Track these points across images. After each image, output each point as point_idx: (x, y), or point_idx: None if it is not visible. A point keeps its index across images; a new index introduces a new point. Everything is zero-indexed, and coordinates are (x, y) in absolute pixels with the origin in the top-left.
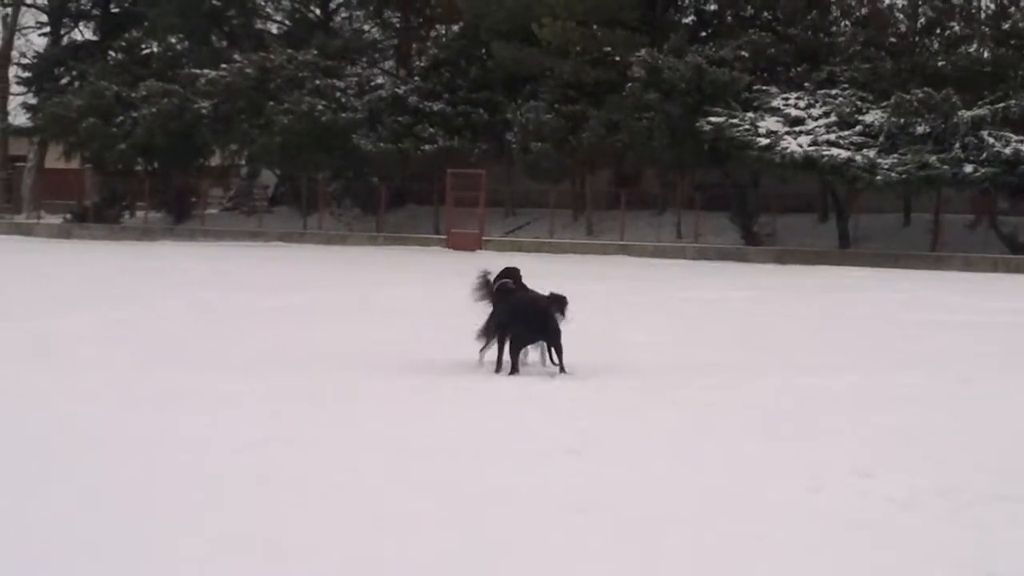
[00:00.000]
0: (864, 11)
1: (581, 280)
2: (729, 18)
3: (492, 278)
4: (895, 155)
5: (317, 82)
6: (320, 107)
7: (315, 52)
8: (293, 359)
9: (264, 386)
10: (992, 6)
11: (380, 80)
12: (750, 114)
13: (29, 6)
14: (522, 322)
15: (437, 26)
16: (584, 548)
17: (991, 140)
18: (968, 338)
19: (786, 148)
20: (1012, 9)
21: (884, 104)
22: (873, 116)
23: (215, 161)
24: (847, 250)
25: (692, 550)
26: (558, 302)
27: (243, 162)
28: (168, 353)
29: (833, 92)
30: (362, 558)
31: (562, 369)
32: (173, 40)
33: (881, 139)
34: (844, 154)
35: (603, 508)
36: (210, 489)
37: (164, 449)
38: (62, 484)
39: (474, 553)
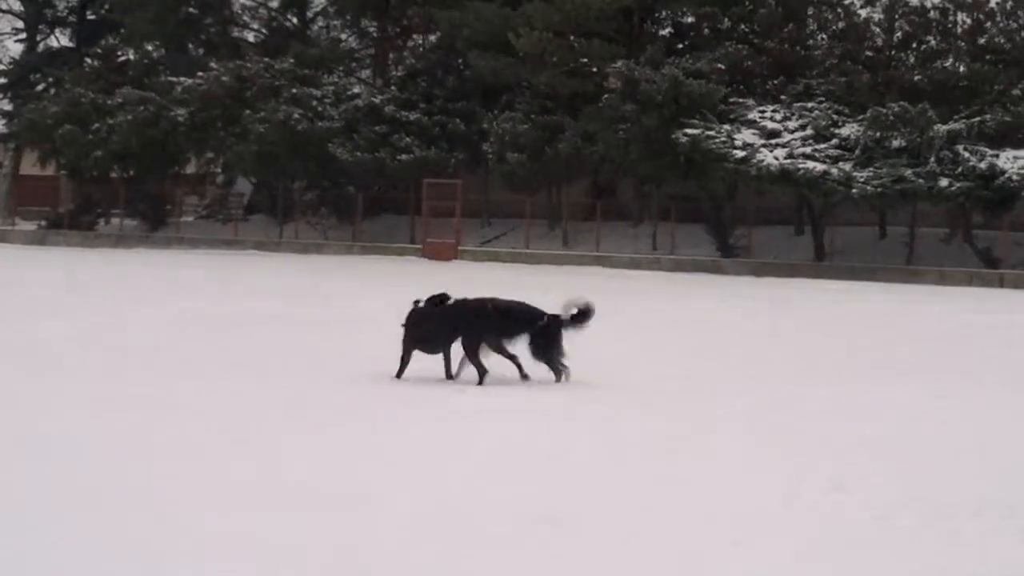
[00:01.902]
0: (841, 25)
1: (555, 292)
2: (706, 30)
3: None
4: (871, 168)
5: (294, 91)
6: (296, 116)
7: (292, 61)
8: (262, 367)
9: (229, 394)
10: (968, 21)
11: (357, 89)
12: (726, 126)
13: (5, 12)
14: (468, 325)
15: (414, 36)
16: (560, 559)
17: (966, 154)
18: (943, 350)
19: (762, 161)
20: (988, 24)
21: (860, 117)
22: (849, 129)
23: (191, 169)
24: (823, 263)
25: (667, 559)
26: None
27: (219, 170)
28: (139, 360)
29: (809, 105)
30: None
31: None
32: (150, 48)
33: (857, 152)
34: (820, 167)
35: (578, 518)
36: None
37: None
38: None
39: (449, 564)
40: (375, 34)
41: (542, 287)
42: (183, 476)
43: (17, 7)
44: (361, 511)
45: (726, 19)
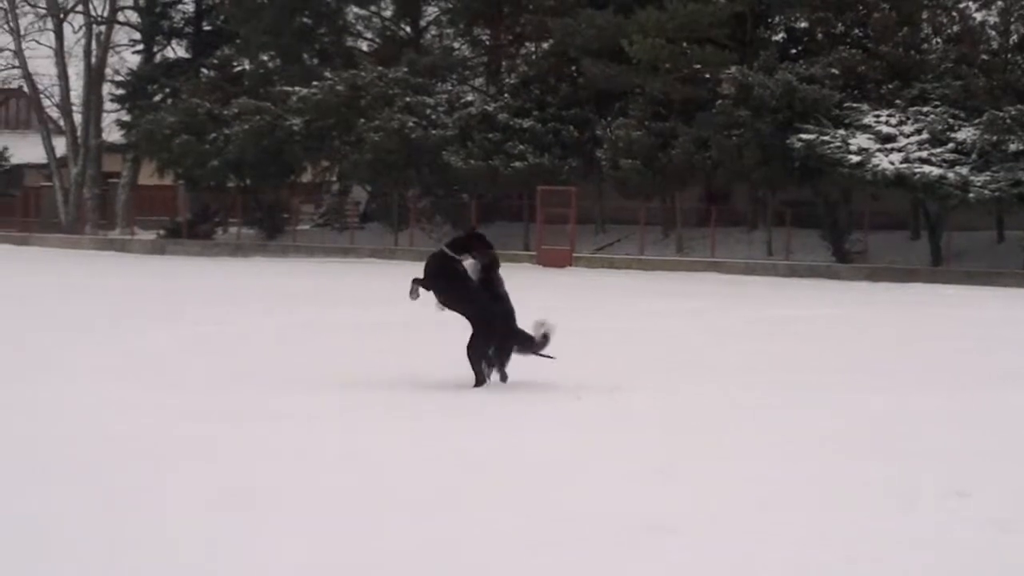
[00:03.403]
0: (955, 28)
1: (671, 298)
2: (819, 35)
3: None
4: (988, 172)
5: (407, 99)
6: (410, 124)
7: (405, 69)
8: (382, 376)
9: (339, 401)
10: None
11: (470, 97)
12: (841, 131)
13: (122, 24)
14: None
15: (527, 44)
16: (675, 568)
17: None
18: None
19: (877, 165)
20: None
21: (976, 121)
22: (965, 133)
23: (306, 178)
24: (939, 268)
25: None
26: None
27: (334, 179)
28: (244, 369)
29: (925, 109)
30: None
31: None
32: (265, 58)
33: (974, 156)
34: (936, 171)
35: (692, 527)
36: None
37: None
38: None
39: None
40: (488, 42)
41: (658, 293)
42: (344, 486)
43: (134, 19)
44: (453, 516)
45: (840, 24)
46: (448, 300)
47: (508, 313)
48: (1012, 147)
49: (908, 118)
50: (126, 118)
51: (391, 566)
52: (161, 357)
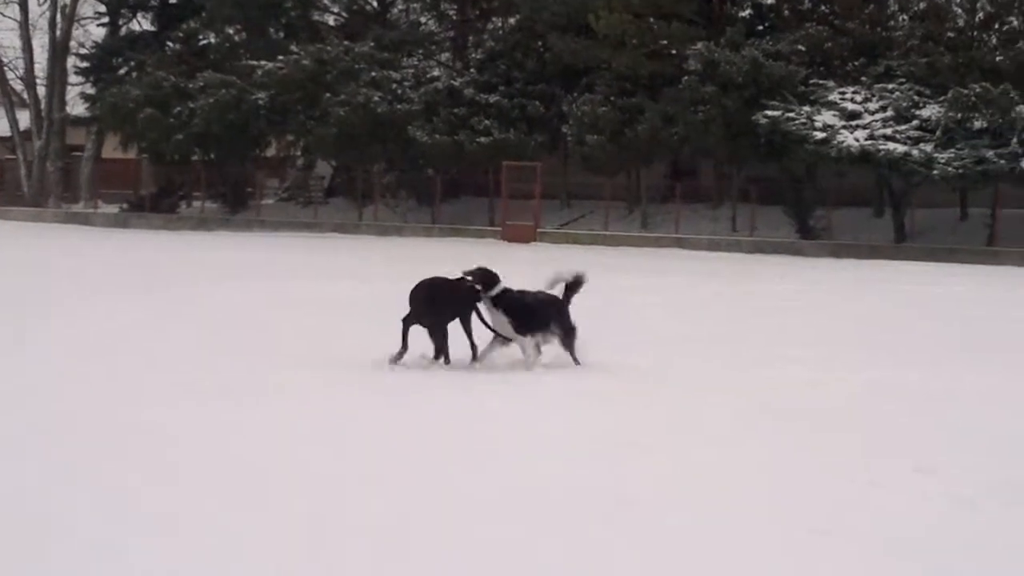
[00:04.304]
0: (922, 5)
1: (636, 274)
2: (786, 12)
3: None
4: (952, 150)
5: (373, 74)
6: (376, 99)
7: (371, 44)
8: (353, 353)
9: (309, 376)
10: None
11: (436, 72)
12: (807, 108)
13: None
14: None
15: (493, 18)
16: (639, 543)
17: None
18: None
19: (842, 142)
20: None
21: (941, 99)
22: (930, 111)
23: (271, 152)
24: (903, 244)
25: (744, 547)
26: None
27: (299, 153)
28: (214, 341)
29: (890, 86)
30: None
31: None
32: (230, 31)
33: (938, 134)
34: (901, 148)
35: (656, 503)
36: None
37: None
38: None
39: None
40: (454, 17)
41: (622, 269)
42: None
43: None
44: (420, 491)
45: (806, 0)
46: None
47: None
48: (976, 125)
49: (873, 95)
50: (91, 91)
51: (358, 541)
52: (131, 332)
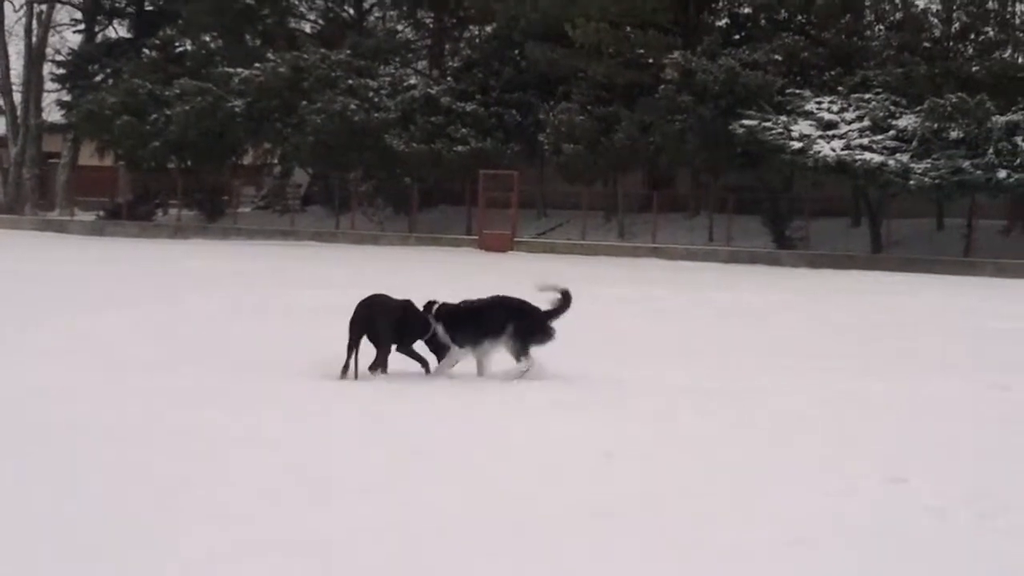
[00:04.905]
0: (898, 16)
1: (613, 284)
2: (763, 21)
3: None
4: (928, 160)
5: (350, 82)
6: (353, 107)
7: (348, 52)
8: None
9: (282, 387)
10: None
11: (413, 80)
12: (783, 117)
13: (64, 3)
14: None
15: (470, 27)
16: (614, 554)
17: None
18: (1001, 343)
19: (819, 152)
20: None
21: (918, 109)
22: (907, 121)
23: (248, 160)
24: (879, 255)
25: (719, 557)
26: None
27: (276, 161)
28: (191, 351)
29: (867, 96)
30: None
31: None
32: (207, 38)
33: (914, 144)
34: (877, 158)
35: (632, 514)
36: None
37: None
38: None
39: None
40: (431, 25)
41: (599, 278)
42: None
43: None
44: (394, 500)
45: (783, 10)
46: None
47: None
48: (952, 135)
49: (850, 105)
50: (67, 98)
51: (334, 546)
52: (110, 340)
